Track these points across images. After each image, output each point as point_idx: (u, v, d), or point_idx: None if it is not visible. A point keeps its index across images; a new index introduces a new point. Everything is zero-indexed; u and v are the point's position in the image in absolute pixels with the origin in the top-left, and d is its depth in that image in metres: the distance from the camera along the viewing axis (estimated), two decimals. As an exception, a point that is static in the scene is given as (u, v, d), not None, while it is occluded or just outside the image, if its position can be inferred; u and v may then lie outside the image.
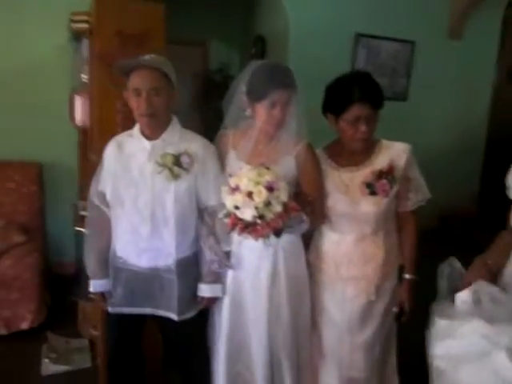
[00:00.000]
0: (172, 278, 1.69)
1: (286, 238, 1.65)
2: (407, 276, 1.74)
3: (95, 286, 1.77)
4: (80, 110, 2.55)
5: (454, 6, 4.51)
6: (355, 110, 1.57)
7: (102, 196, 1.73)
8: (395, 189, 1.65)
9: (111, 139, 1.73)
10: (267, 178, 1.43)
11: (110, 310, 1.75)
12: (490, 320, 1.22)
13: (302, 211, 1.56)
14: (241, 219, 1.45)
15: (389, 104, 4.84)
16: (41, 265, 2.76)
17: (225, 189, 1.49)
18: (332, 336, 1.79)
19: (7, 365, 2.31)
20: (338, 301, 1.75)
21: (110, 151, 1.71)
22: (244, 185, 1.43)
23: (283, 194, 1.44)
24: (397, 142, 1.71)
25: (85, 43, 2.51)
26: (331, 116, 1.64)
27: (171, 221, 1.65)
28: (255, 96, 1.58)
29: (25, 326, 2.56)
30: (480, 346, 1.22)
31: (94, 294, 1.78)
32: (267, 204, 1.41)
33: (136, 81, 1.57)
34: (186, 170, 1.63)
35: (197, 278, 1.74)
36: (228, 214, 1.49)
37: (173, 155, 1.62)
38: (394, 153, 1.66)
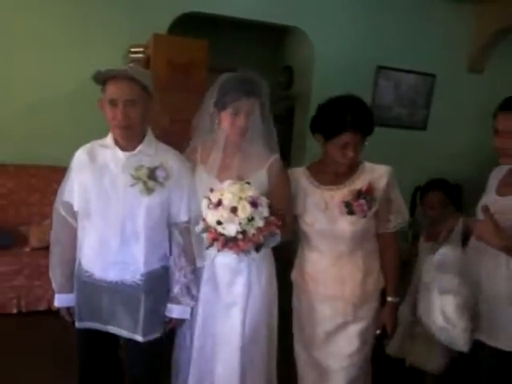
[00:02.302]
0: (138, 295, 1.66)
1: (259, 254, 1.64)
2: (389, 299, 1.77)
3: (60, 300, 1.74)
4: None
5: (477, 41, 4.83)
6: (345, 138, 1.63)
7: (69, 206, 1.69)
8: (374, 209, 1.71)
9: (82, 147, 1.71)
10: (250, 193, 1.47)
11: (77, 325, 1.74)
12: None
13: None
14: (222, 234, 1.46)
15: (408, 133, 5.29)
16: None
17: (205, 203, 1.50)
18: (306, 357, 1.86)
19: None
20: (316, 321, 1.80)
21: (81, 160, 1.68)
22: (228, 200, 1.44)
23: (265, 210, 1.49)
24: (379, 165, 1.77)
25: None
26: (320, 136, 1.71)
27: (141, 235, 1.63)
28: (220, 105, 1.63)
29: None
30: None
31: (60, 308, 1.76)
32: (250, 219, 1.45)
33: (112, 91, 1.56)
34: (161, 184, 1.62)
35: (164, 296, 1.72)
36: (206, 229, 1.50)
37: (148, 168, 1.61)
38: (375, 174, 1.72)
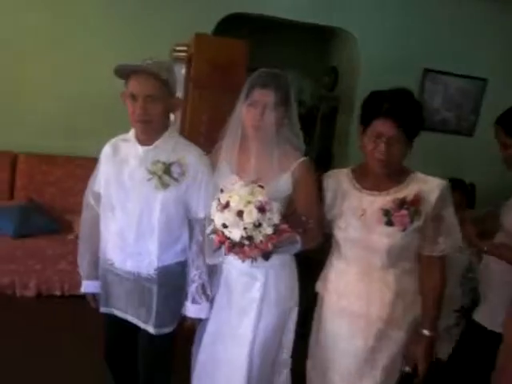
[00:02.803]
0: (152, 288, 1.69)
1: (278, 259, 1.61)
2: (425, 332, 1.54)
3: (87, 286, 1.82)
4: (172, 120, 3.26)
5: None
6: (378, 126, 1.49)
7: (97, 196, 1.77)
8: (417, 224, 1.51)
9: (109, 141, 1.77)
10: (259, 197, 1.39)
11: (102, 309, 1.81)
12: None
13: (294, 231, 1.52)
14: (228, 238, 1.41)
15: (454, 138, 5.15)
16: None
17: (214, 204, 1.46)
18: (315, 377, 1.73)
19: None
20: (334, 339, 1.66)
21: (106, 153, 1.74)
22: (235, 203, 1.39)
23: (275, 216, 1.40)
24: (433, 177, 1.57)
25: (179, 68, 3.23)
26: (360, 129, 1.59)
27: (156, 230, 1.65)
28: (243, 97, 1.61)
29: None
30: None
31: (86, 294, 1.84)
32: (257, 225, 1.37)
33: (133, 86, 1.58)
34: (176, 179, 1.63)
35: (179, 291, 1.74)
36: (215, 231, 1.46)
37: (164, 163, 1.62)
38: (426, 186, 1.53)
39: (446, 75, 4.64)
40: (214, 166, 1.71)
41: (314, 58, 5.51)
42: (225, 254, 1.51)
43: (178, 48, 3.07)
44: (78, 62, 3.88)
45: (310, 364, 1.79)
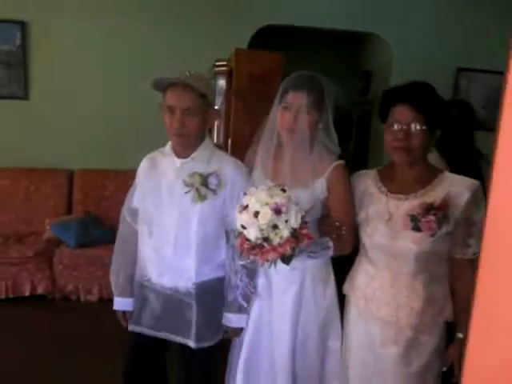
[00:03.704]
0: (191, 302, 1.67)
1: (314, 263, 1.63)
2: (460, 335, 1.49)
3: (119, 303, 1.77)
4: (215, 130, 3.49)
5: None
6: (395, 114, 1.47)
7: (134, 212, 1.75)
8: (445, 230, 1.45)
9: (147, 156, 1.77)
10: (277, 199, 1.39)
11: (130, 328, 1.77)
12: None
13: (328, 236, 1.55)
14: (248, 239, 1.43)
15: (490, 135, 5.27)
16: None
17: (237, 207, 1.46)
18: (356, 378, 1.67)
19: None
20: (364, 344, 1.62)
21: (144, 168, 1.74)
22: (252, 204, 1.40)
23: (293, 219, 1.39)
24: (463, 177, 1.49)
25: (221, 81, 3.46)
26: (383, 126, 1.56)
27: (193, 243, 1.64)
28: (277, 101, 1.62)
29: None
30: None
31: (117, 311, 1.79)
32: (274, 227, 1.38)
33: (170, 99, 1.58)
34: (213, 191, 1.61)
35: (219, 306, 1.71)
36: (239, 234, 1.47)
37: (201, 175, 1.61)
38: (455, 188, 1.45)
39: (481, 73, 4.66)
40: (249, 171, 1.71)
41: (345, 63, 5.65)
42: (244, 256, 1.50)
43: (218, 63, 3.30)
44: (124, 83, 4.15)
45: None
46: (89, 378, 2.60)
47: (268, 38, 4.34)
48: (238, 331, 1.74)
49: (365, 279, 1.62)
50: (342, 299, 1.77)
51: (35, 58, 4.07)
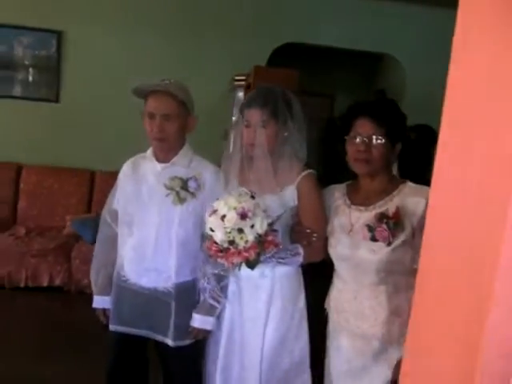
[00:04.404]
0: (170, 302, 1.72)
1: (284, 270, 1.66)
2: None
3: (98, 301, 1.83)
4: (231, 139, 3.69)
5: None
6: (356, 127, 1.52)
7: (115, 214, 1.80)
8: (402, 238, 1.44)
9: (129, 160, 1.84)
10: (244, 204, 1.42)
11: (111, 327, 1.80)
12: None
13: (299, 243, 1.59)
14: (216, 242, 1.46)
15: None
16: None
17: (208, 211, 1.50)
18: None
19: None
20: (337, 358, 1.64)
21: (125, 171, 1.81)
22: (220, 208, 1.44)
23: (259, 225, 1.42)
24: (424, 187, 1.49)
25: (239, 94, 3.68)
26: (343, 148, 1.58)
27: (173, 244, 1.70)
28: (240, 119, 1.69)
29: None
30: None
31: (96, 309, 1.85)
32: (239, 231, 1.41)
33: (151, 105, 1.66)
34: (192, 194, 1.68)
35: (195, 306, 1.74)
36: (208, 237, 1.50)
37: (181, 179, 1.67)
38: (412, 197, 1.47)
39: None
40: (226, 177, 1.75)
41: (361, 81, 5.84)
42: (211, 259, 1.55)
43: (237, 78, 3.52)
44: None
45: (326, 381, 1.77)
46: (95, 363, 2.76)
47: (287, 54, 4.57)
48: (203, 332, 1.75)
49: (335, 292, 1.65)
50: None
51: (67, 65, 4.36)
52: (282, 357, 1.72)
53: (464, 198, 0.68)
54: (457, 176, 0.70)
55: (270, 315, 1.70)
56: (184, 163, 1.72)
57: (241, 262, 1.46)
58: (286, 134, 1.65)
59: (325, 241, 1.65)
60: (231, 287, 1.74)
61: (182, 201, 1.67)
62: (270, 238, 1.45)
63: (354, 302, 1.55)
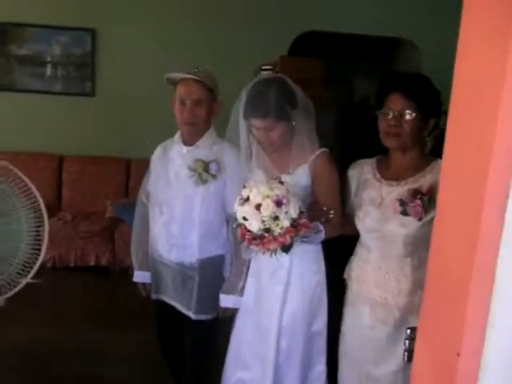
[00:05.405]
0: (193, 276, 1.84)
1: (303, 247, 1.67)
2: None
3: (138, 276, 2.00)
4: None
5: None
6: (388, 102, 1.53)
7: (149, 194, 1.96)
8: (433, 214, 1.34)
9: (160, 144, 1.99)
10: (277, 192, 1.45)
11: (153, 296, 1.98)
12: None
13: (317, 221, 1.59)
14: (249, 230, 1.48)
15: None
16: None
17: (237, 199, 1.52)
18: (347, 369, 1.72)
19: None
20: (356, 328, 1.68)
21: (157, 155, 1.96)
22: (253, 196, 1.46)
23: (293, 210, 1.45)
24: None
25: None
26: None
27: (196, 222, 1.82)
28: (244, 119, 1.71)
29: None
30: None
31: (137, 283, 2.02)
32: (275, 218, 1.43)
33: (182, 91, 1.78)
34: (214, 176, 1.78)
35: (219, 283, 1.85)
36: (239, 225, 1.52)
37: (203, 161, 1.78)
38: None
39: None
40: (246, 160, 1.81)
41: (378, 66, 6.04)
42: (246, 247, 1.60)
43: (264, 67, 3.78)
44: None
45: (341, 350, 1.79)
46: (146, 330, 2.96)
47: (309, 42, 4.76)
48: (227, 310, 1.85)
49: (358, 263, 1.70)
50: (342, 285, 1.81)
51: (102, 61, 4.66)
52: (302, 325, 1.78)
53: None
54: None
55: (289, 294, 1.75)
56: (207, 146, 1.84)
57: (276, 248, 1.50)
58: (293, 123, 1.69)
59: (344, 216, 1.72)
60: (252, 266, 1.83)
61: (204, 182, 1.78)
62: (302, 221, 1.49)
63: (379, 272, 1.60)
